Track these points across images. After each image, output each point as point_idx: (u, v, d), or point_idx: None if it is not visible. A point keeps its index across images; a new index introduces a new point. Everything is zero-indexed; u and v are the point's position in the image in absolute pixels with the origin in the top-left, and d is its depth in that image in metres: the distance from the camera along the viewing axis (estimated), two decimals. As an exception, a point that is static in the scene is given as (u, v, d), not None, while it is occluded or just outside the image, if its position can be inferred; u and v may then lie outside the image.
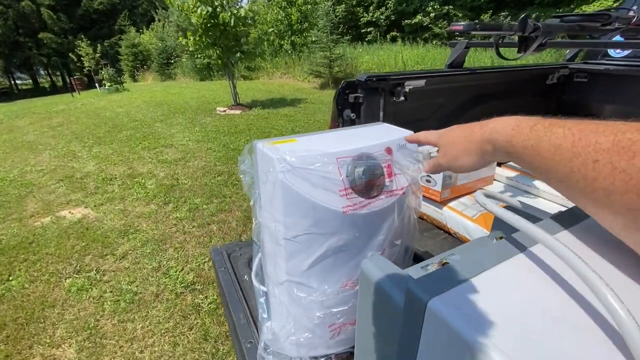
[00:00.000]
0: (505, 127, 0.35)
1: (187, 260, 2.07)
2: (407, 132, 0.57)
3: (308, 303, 0.51)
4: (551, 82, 1.54)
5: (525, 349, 0.19)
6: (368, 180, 0.48)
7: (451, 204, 1.01)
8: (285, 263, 0.50)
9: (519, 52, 0.88)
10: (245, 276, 0.82)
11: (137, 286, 1.88)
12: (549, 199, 1.11)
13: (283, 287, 0.53)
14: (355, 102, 1.03)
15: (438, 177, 0.97)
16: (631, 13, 0.99)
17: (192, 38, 5.67)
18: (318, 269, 0.50)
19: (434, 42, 10.14)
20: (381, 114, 1.10)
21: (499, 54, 0.92)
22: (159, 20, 15.82)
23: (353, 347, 0.60)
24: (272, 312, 0.61)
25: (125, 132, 5.05)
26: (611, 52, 1.62)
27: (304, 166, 0.45)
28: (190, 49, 5.94)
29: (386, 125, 0.63)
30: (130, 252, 2.18)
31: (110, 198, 2.92)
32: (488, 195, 0.38)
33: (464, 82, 1.27)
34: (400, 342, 0.26)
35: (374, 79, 0.99)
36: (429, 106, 1.28)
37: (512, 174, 1.25)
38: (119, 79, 10.70)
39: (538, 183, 1.16)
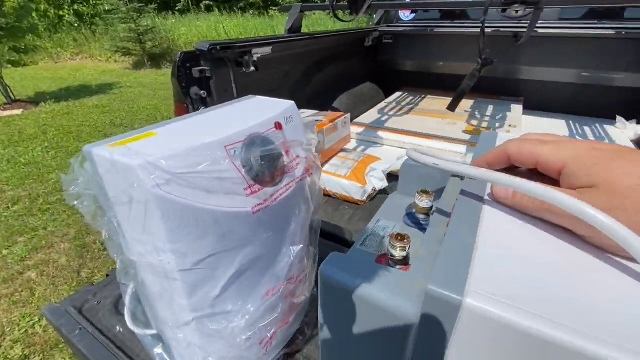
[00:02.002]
0: None
1: (4, 332, 1.45)
2: (288, 103, 0.50)
3: (230, 332, 0.41)
4: (368, 45, 1.77)
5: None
6: (268, 165, 0.40)
7: (325, 168, 1.04)
8: (187, 299, 0.38)
9: (351, 14, 0.93)
10: (118, 327, 0.61)
11: None
12: (394, 145, 1.31)
13: (190, 328, 0.41)
14: (202, 76, 0.87)
15: (310, 145, 0.97)
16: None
17: None
18: (234, 289, 0.40)
19: (251, 12, 10.03)
20: (234, 86, 0.98)
21: (335, 16, 0.95)
22: None
23: (285, 347, 0.55)
24: (178, 357, 0.47)
25: None
26: (401, 15, 1.98)
27: (187, 169, 0.33)
28: None
29: (259, 98, 0.54)
30: None
31: None
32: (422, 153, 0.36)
33: (305, 47, 1.29)
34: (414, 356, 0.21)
35: (218, 47, 0.85)
36: (278, 75, 1.24)
37: (360, 129, 1.40)
38: None
39: (381, 133, 1.35)
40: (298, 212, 0.45)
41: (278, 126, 0.44)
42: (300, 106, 1.28)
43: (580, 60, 1.46)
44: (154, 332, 0.50)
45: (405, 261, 0.27)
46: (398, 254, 0.27)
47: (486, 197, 0.26)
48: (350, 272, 0.23)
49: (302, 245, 0.44)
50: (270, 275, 0.43)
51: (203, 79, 0.88)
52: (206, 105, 0.90)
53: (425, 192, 0.35)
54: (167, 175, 0.32)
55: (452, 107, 1.01)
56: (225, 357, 0.43)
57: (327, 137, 1.02)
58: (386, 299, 0.21)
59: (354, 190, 0.97)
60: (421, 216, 0.35)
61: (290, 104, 0.50)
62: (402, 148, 1.31)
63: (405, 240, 0.27)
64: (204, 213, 0.34)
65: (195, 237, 0.35)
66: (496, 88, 1.74)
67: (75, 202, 0.39)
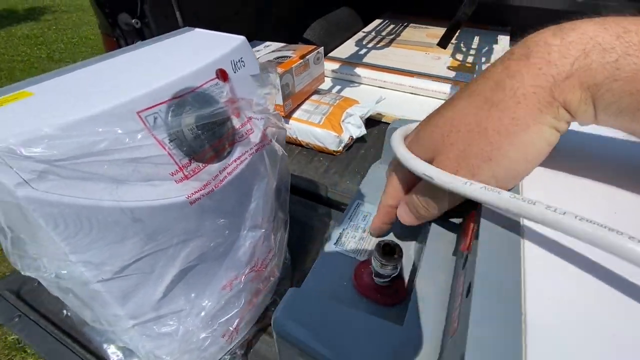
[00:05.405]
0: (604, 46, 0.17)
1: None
2: (238, 39, 0.37)
3: (184, 332, 0.35)
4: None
5: None
6: (209, 134, 0.29)
7: (295, 114, 0.92)
8: (120, 308, 0.30)
9: None
10: (65, 311, 0.54)
11: None
12: (374, 85, 1.18)
13: (135, 332, 0.34)
14: (132, -1, 0.68)
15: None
16: None
17: None
18: (182, 288, 0.33)
19: None
20: (177, 13, 0.79)
21: None
22: None
23: (256, 324, 0.50)
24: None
25: None
26: None
27: (75, 152, 0.22)
28: None
29: (198, 31, 0.40)
30: None
31: None
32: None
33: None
34: None
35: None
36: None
37: (335, 65, 1.24)
38: None
39: (359, 70, 1.20)
40: (257, 188, 0.36)
41: (222, 75, 0.32)
42: (264, 37, 1.10)
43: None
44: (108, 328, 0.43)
45: (395, 279, 0.20)
46: (386, 272, 0.20)
47: (524, 223, 0.18)
48: (312, 329, 0.15)
49: (263, 230, 0.36)
50: (227, 267, 0.36)
51: (133, 1, 0.68)
52: (143, 39, 0.72)
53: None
54: (40, 166, 0.21)
55: (443, 43, 0.87)
56: (181, 356, 0.37)
57: (297, 78, 0.88)
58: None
59: (329, 140, 0.87)
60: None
61: (240, 40, 0.37)
62: (382, 88, 1.19)
63: (396, 256, 0.19)
64: (114, 212, 0.24)
65: (108, 242, 0.25)
66: (485, 15, 1.57)
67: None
